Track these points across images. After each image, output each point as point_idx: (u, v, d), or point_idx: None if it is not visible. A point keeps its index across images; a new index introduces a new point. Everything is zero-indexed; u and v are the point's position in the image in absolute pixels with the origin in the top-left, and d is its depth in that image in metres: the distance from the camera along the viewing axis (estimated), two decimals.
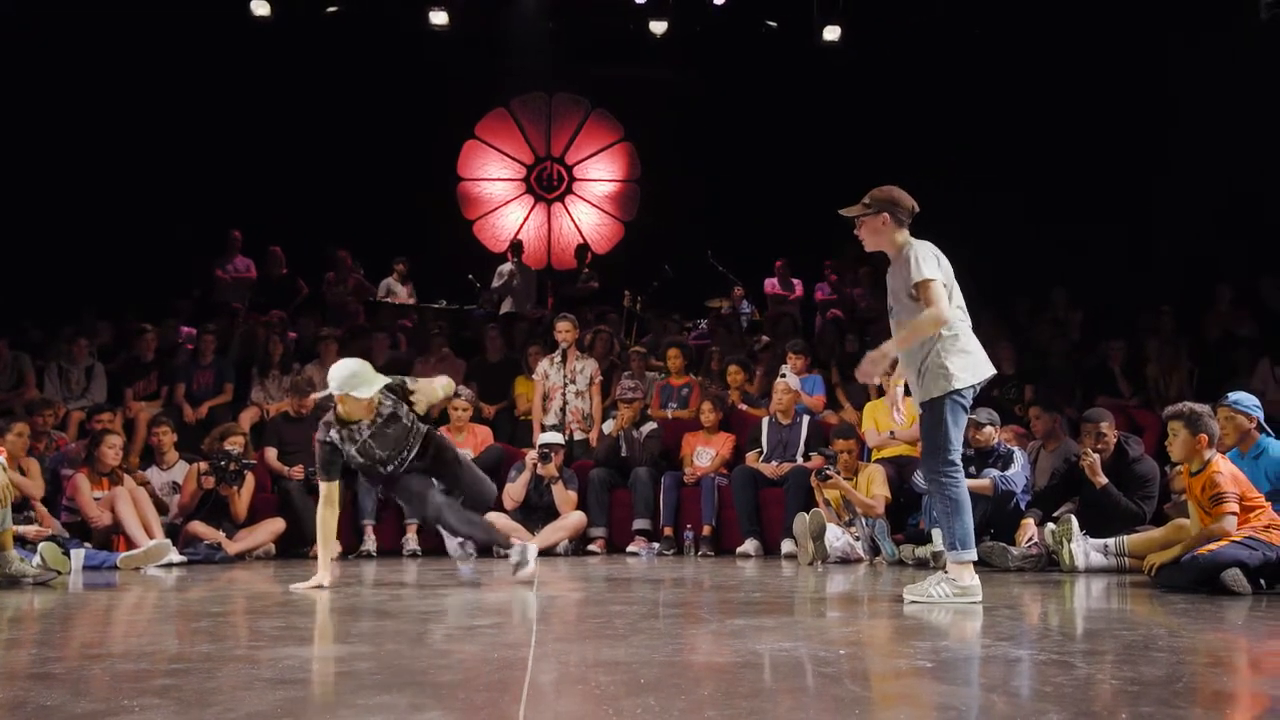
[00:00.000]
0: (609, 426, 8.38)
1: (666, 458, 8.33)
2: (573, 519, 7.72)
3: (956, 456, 4.43)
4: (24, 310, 10.68)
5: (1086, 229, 11.61)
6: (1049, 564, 6.22)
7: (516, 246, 13.20)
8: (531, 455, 7.78)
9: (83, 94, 12.19)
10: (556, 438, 7.95)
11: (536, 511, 7.72)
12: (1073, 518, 6.12)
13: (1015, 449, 6.84)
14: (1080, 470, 6.45)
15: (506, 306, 12.48)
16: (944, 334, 4.36)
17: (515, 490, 7.73)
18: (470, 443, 8.30)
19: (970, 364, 4.38)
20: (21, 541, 6.04)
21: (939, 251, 4.48)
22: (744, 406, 8.84)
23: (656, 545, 7.83)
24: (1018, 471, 6.62)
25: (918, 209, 4.55)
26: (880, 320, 10.95)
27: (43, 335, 9.99)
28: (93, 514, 6.94)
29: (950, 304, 4.36)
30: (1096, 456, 6.39)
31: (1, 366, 9.05)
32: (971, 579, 4.41)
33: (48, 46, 11.95)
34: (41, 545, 6.02)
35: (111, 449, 7.10)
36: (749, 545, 7.59)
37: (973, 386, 4.41)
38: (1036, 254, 11.51)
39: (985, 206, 11.45)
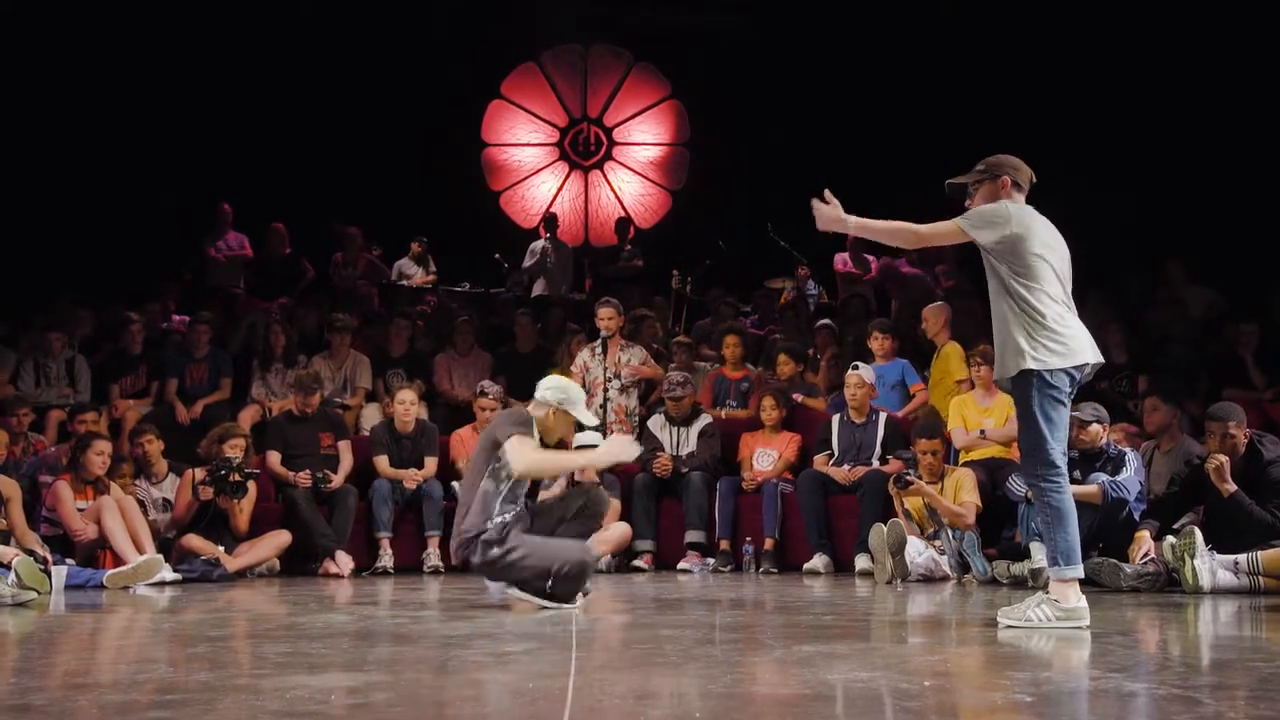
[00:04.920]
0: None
1: (723, 461, 8.31)
2: (616, 531, 7.73)
3: (1057, 457, 4.38)
4: None
5: (1208, 192, 11.42)
6: (1168, 583, 6.14)
7: (550, 220, 13.22)
8: None
9: (44, 47, 12.25)
10: (595, 438, 7.94)
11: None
12: (1196, 530, 6.03)
13: (1127, 450, 6.75)
14: (1205, 475, 6.35)
15: (539, 289, 12.52)
16: (1031, 313, 4.35)
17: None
18: None
19: (1061, 347, 4.34)
20: None
21: (1046, 226, 4.47)
22: (798, 397, 8.79)
23: (711, 561, 7.83)
24: (1130, 476, 6.53)
25: (1035, 180, 4.56)
26: (964, 300, 10.85)
27: (11, 326, 10.11)
28: (76, 526, 7.05)
29: (1044, 275, 4.37)
30: (1224, 459, 6.29)
31: None
32: (1078, 600, 4.36)
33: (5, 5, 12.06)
34: (16, 561, 6.10)
35: (99, 456, 7.19)
36: (818, 561, 7.56)
37: (1066, 373, 4.36)
38: (1149, 222, 11.33)
39: (1088, 168, 11.28)
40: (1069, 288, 4.49)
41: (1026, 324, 4.36)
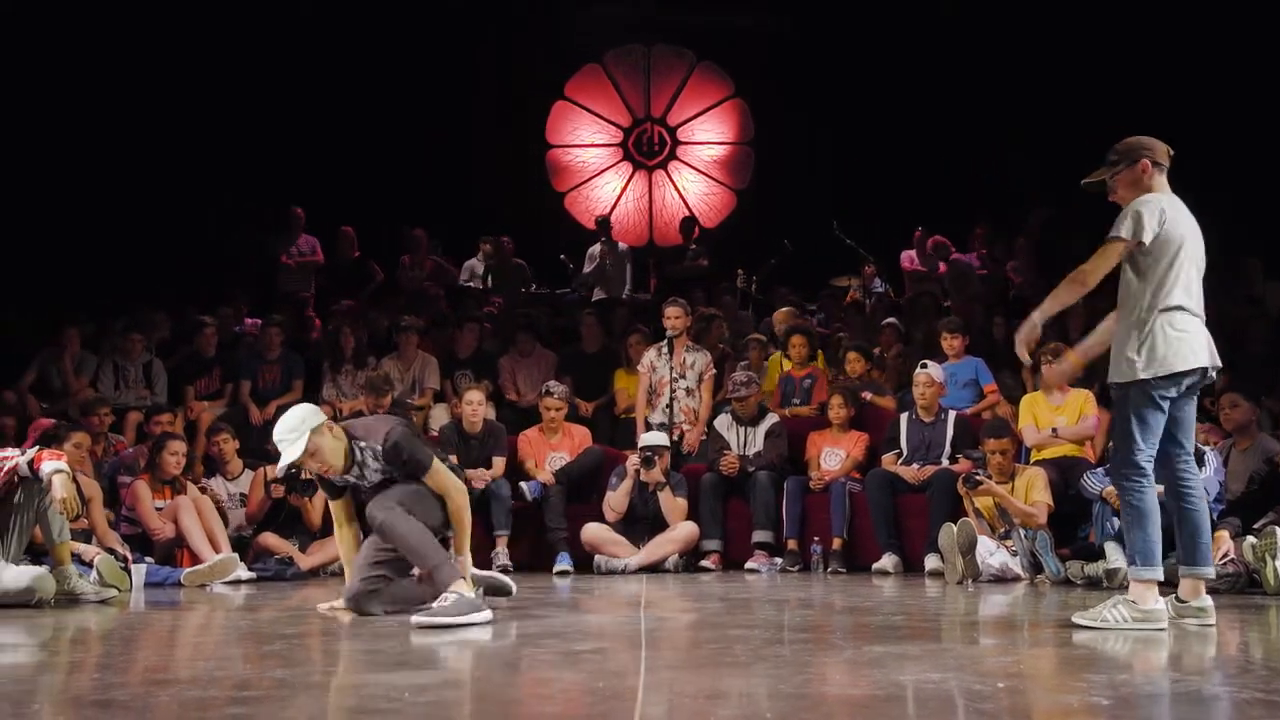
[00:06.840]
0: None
1: (790, 461, 8.28)
2: (683, 531, 7.73)
3: (1144, 460, 4.31)
4: (72, 301, 11.03)
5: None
6: (1249, 584, 6.03)
7: (604, 224, 13.13)
8: (633, 459, 7.80)
9: (123, 60, 12.45)
10: (661, 438, 7.95)
11: (641, 523, 7.75)
12: (1277, 530, 5.90)
13: (1207, 449, 6.63)
14: None
15: (599, 293, 12.52)
16: (1151, 312, 4.28)
17: (616, 500, 7.76)
18: (566, 445, 8.38)
19: (1172, 352, 4.26)
20: (77, 558, 6.28)
21: (1184, 214, 4.40)
22: (868, 395, 8.73)
23: (779, 561, 7.79)
24: (1210, 476, 6.40)
25: (1173, 154, 4.48)
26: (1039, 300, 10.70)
27: (94, 330, 10.36)
28: (154, 526, 7.20)
29: (1172, 278, 4.29)
30: None
31: (72, 360, 9.43)
32: (1156, 602, 4.29)
33: (86, 11, 12.31)
34: (98, 559, 6.25)
35: (174, 456, 7.34)
36: (887, 561, 7.51)
37: (1172, 379, 4.28)
38: (1224, 218, 11.09)
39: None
40: (1199, 281, 4.40)
41: (1147, 328, 4.29)
